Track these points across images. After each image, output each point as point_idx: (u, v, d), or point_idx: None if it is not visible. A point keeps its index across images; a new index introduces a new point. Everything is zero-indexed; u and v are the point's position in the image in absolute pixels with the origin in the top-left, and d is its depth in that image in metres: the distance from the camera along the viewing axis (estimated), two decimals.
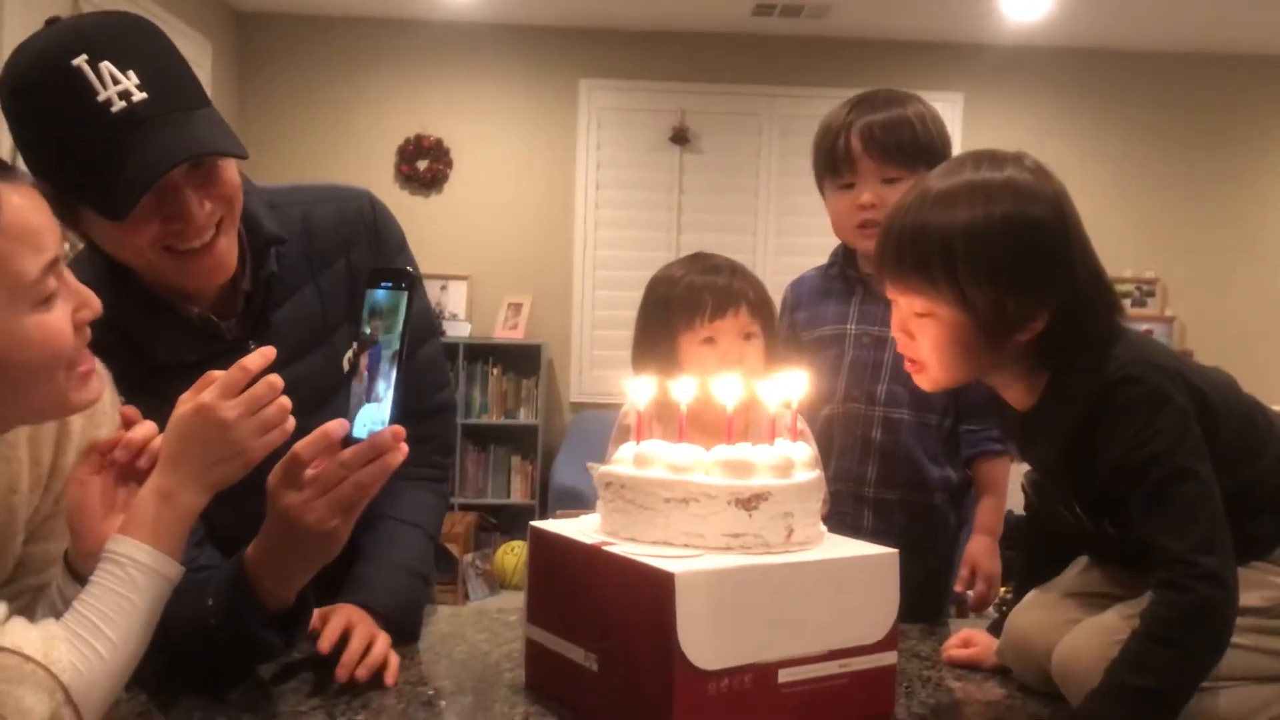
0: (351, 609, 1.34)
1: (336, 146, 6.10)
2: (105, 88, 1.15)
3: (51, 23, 1.21)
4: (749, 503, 1.14)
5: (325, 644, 1.26)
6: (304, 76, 6.09)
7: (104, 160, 1.16)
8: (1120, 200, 6.27)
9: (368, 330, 1.16)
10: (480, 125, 6.15)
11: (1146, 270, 6.30)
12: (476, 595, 5.54)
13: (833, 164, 1.80)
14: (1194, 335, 6.31)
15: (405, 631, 1.39)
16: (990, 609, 1.82)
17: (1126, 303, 6.30)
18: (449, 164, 6.14)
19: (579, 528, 1.23)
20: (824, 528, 1.24)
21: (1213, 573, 1.09)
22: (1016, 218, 1.18)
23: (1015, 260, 1.17)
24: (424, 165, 6.11)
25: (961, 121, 6.09)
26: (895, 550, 1.22)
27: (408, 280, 1.16)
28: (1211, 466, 1.14)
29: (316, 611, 1.30)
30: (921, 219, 1.21)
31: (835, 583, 1.17)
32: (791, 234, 6.09)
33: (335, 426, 1.13)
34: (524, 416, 5.98)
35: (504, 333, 6.01)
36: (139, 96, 1.15)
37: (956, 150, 1.85)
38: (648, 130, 6.16)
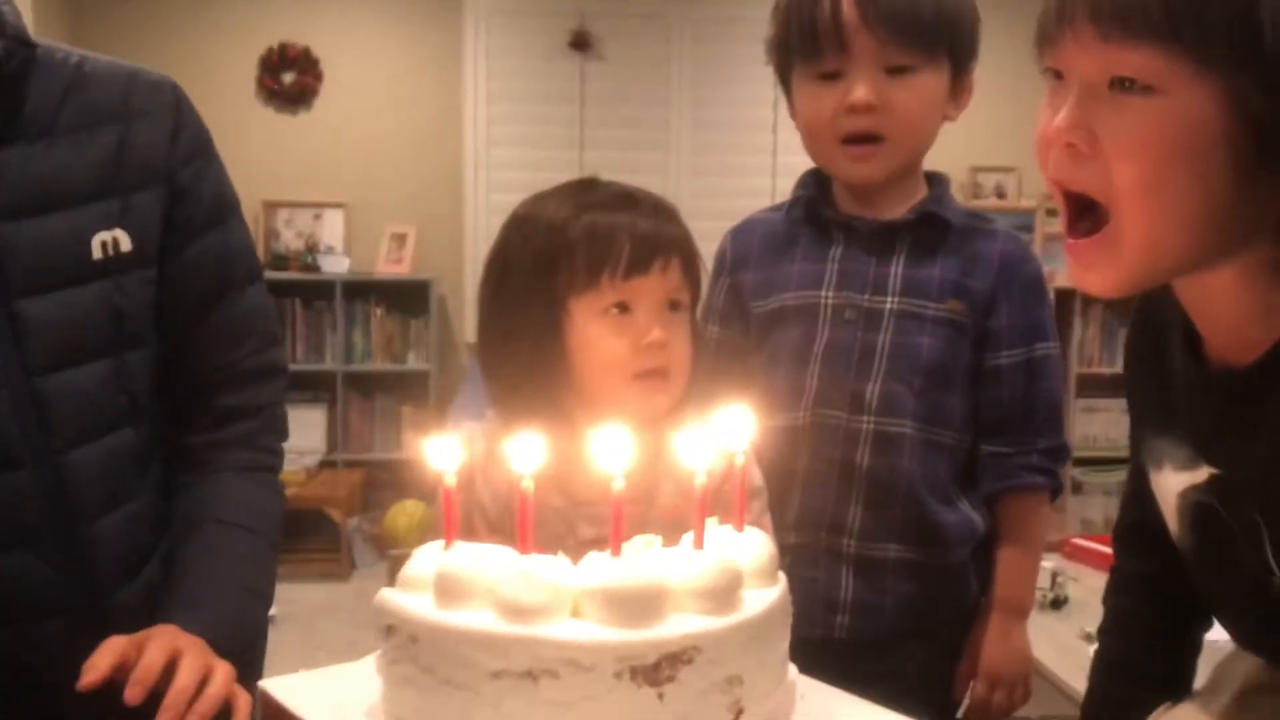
0: (176, 631, 1.01)
1: (189, 58, 5.35)
2: None
3: None
4: (657, 672, 0.58)
5: (138, 690, 0.92)
6: None
7: None
8: None
9: None
10: (352, 32, 5.45)
11: None
12: (364, 563, 5.02)
13: (809, 42, 1.21)
14: None
15: (244, 668, 1.04)
16: None
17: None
18: (318, 76, 5.44)
19: (344, 705, 0.66)
20: (793, 672, 0.69)
21: None
22: None
23: None
24: (290, 79, 5.42)
25: None
26: None
27: None
28: None
29: (123, 639, 0.97)
30: None
31: None
32: (709, 152, 5.50)
33: None
34: (414, 361, 5.39)
35: (387, 267, 5.40)
36: None
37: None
38: (543, 36, 5.50)
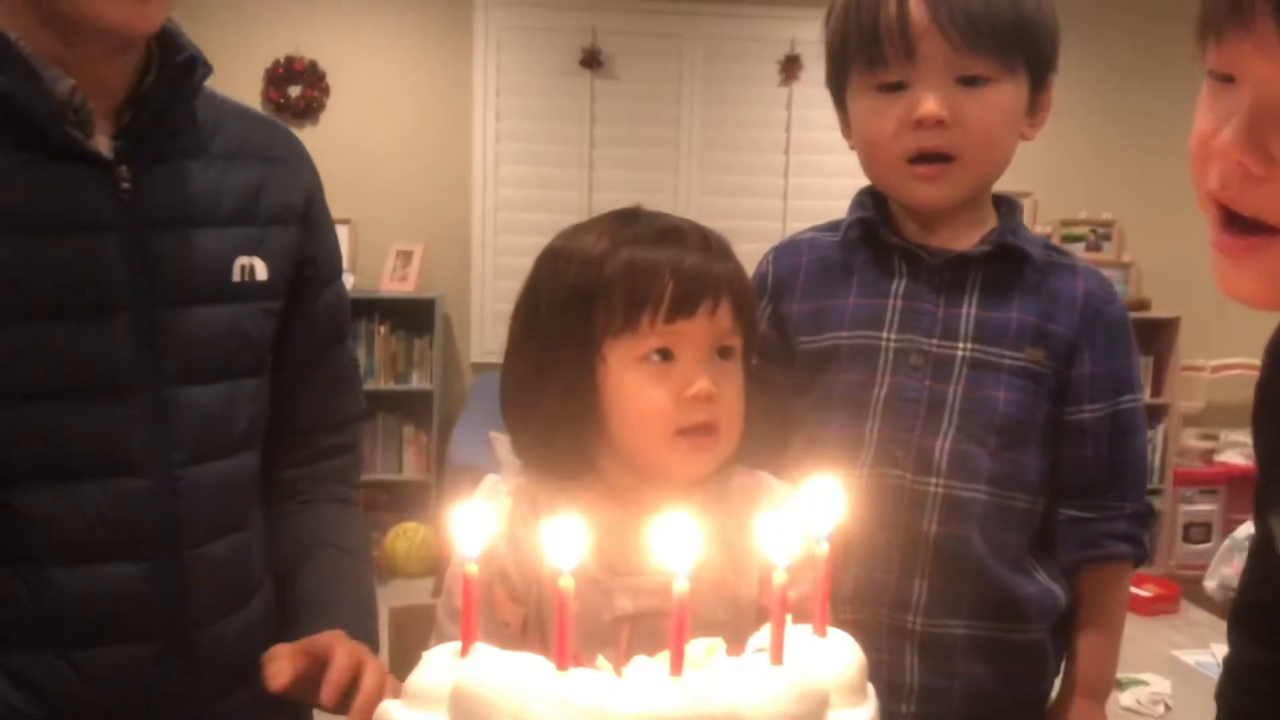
0: (347, 638, 1.03)
1: None
2: None
3: None
4: None
5: (333, 692, 0.95)
6: None
7: None
8: (1075, 137, 5.72)
9: None
10: (361, 46, 5.36)
11: (1103, 212, 5.83)
12: None
13: (871, 48, 1.07)
14: (1150, 282, 5.87)
15: None
16: None
17: (1080, 246, 5.80)
18: (325, 91, 5.35)
19: None
20: None
21: None
22: None
23: None
24: (296, 92, 5.32)
25: None
26: None
27: None
28: None
29: (288, 646, 1.00)
30: None
31: None
32: (720, 171, 5.42)
33: None
34: (417, 380, 5.27)
35: (392, 285, 5.29)
36: None
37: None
38: (554, 52, 5.42)
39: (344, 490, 1.28)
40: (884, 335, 1.14)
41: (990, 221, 1.18)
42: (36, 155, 1.00)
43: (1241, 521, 4.23)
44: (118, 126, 1.07)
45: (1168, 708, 2.59)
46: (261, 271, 1.15)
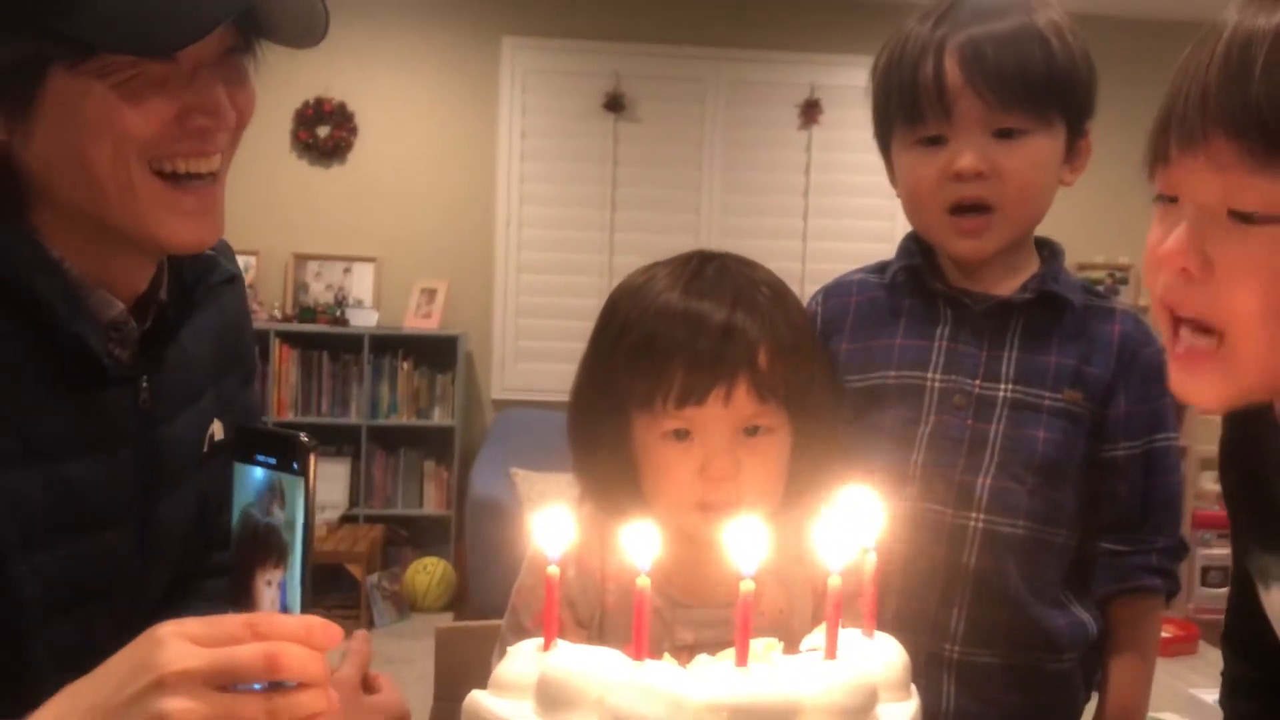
0: None
1: None
2: None
3: None
4: None
5: None
6: None
7: None
8: (1092, 180, 5.66)
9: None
10: (389, 87, 5.46)
11: (1120, 256, 5.83)
12: (384, 621, 4.90)
13: (911, 106, 1.13)
14: None
15: None
16: None
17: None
18: (353, 131, 5.45)
19: None
20: None
21: None
22: None
23: None
24: (325, 132, 5.42)
25: None
26: None
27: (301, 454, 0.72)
28: None
29: None
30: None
31: None
32: (740, 214, 5.48)
33: None
34: (439, 416, 5.32)
35: (416, 322, 5.35)
36: None
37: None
38: (579, 95, 5.52)
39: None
40: (929, 376, 1.18)
41: (1032, 265, 1.22)
42: (78, 382, 0.91)
43: None
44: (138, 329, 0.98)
45: None
46: (219, 432, 1.07)
